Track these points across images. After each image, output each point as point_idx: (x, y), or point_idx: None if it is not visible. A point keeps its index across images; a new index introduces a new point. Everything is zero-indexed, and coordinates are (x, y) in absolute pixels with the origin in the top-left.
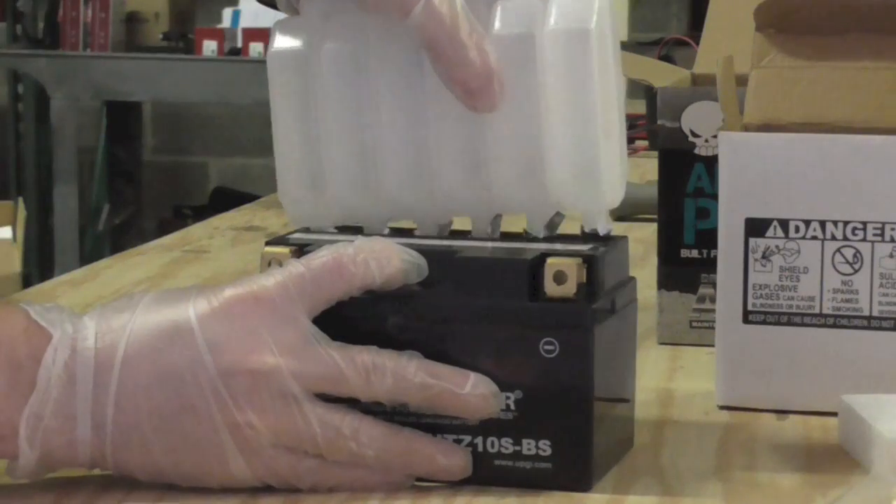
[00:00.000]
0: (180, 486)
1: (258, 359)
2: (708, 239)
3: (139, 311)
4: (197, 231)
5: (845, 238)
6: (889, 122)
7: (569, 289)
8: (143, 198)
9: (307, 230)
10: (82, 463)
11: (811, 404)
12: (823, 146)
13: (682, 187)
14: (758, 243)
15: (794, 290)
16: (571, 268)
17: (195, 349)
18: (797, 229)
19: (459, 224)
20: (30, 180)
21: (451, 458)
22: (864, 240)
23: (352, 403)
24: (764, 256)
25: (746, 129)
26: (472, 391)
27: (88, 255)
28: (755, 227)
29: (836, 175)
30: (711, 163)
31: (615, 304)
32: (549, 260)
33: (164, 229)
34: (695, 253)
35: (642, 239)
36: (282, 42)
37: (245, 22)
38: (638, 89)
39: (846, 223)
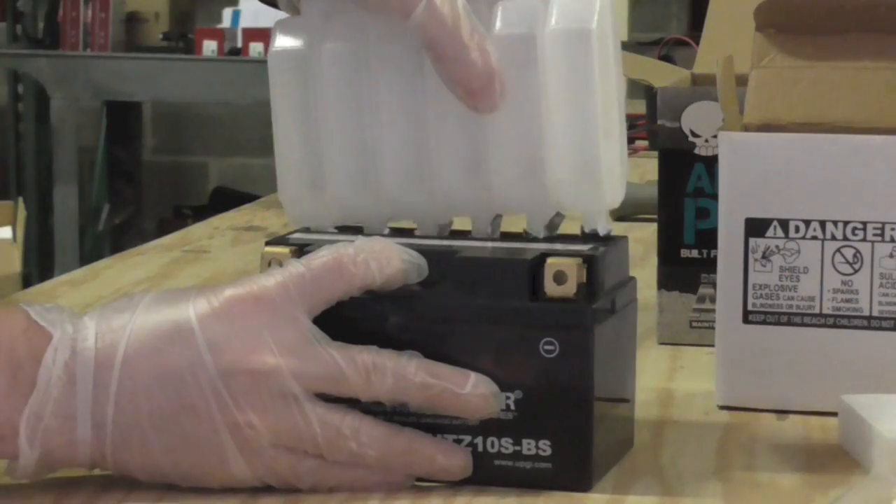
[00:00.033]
0: (180, 486)
1: (258, 359)
2: (708, 239)
3: (139, 312)
4: (197, 231)
5: (845, 238)
6: (889, 122)
7: (569, 289)
8: (143, 198)
9: (307, 230)
10: (82, 463)
11: (811, 404)
12: (823, 146)
13: (682, 187)
14: (758, 243)
15: (794, 290)
16: (571, 268)
17: (195, 349)
18: (797, 229)
19: (459, 224)
20: (30, 180)
21: (451, 458)
22: (864, 240)
23: (352, 403)
24: (764, 256)
25: (746, 129)
26: (472, 391)
27: (88, 255)
28: (755, 227)
29: (836, 175)
30: (711, 163)
31: (615, 304)
32: (549, 260)
33: (164, 229)
34: (695, 253)
35: (642, 239)
36: (282, 42)
37: (245, 22)
38: (638, 89)
39: (846, 223)
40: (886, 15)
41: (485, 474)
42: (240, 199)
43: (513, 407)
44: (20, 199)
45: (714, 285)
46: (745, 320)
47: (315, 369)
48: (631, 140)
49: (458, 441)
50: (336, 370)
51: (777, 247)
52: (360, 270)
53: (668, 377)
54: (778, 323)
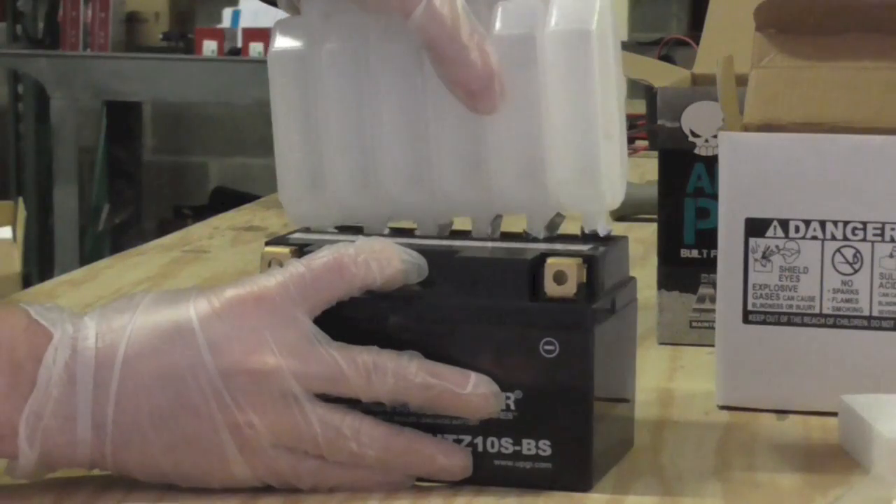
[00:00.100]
0: (180, 487)
1: (259, 359)
2: (708, 239)
3: (140, 312)
4: (197, 231)
5: (845, 238)
6: (889, 122)
7: (569, 289)
8: (143, 198)
9: (307, 230)
10: (82, 463)
11: (811, 404)
12: (823, 146)
13: (682, 187)
14: (758, 243)
15: (794, 290)
16: (571, 268)
17: (196, 349)
18: (797, 229)
19: (459, 224)
20: (30, 180)
21: (451, 458)
22: (864, 240)
23: (352, 404)
24: (764, 256)
25: (746, 129)
26: (473, 391)
27: (88, 255)
28: (755, 227)
29: (836, 175)
30: (711, 163)
31: (615, 304)
32: (549, 260)
33: (164, 229)
34: (695, 253)
35: (642, 239)
36: (282, 42)
37: (245, 22)
38: (638, 89)
39: (846, 223)
40: (886, 15)
41: (485, 474)
42: (240, 199)
43: (513, 407)
44: (20, 199)
45: (714, 285)
46: (745, 320)
47: (316, 369)
48: (631, 140)
49: (459, 441)
50: (337, 370)
51: (777, 247)
52: (360, 271)
53: (668, 377)
54: (778, 323)
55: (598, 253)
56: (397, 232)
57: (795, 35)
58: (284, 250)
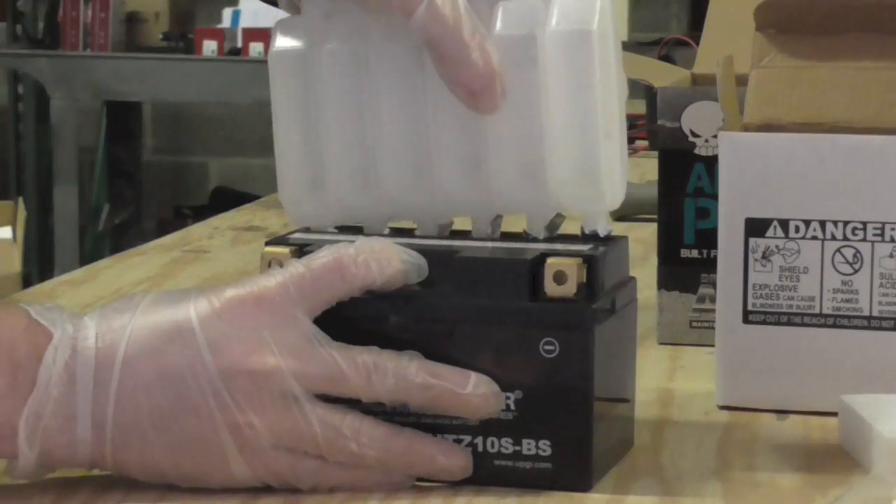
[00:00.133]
0: (180, 487)
1: (259, 359)
2: (708, 239)
3: (140, 312)
4: (197, 231)
5: (845, 238)
6: (889, 122)
7: (569, 289)
8: (143, 198)
9: (307, 230)
10: (81, 463)
11: (811, 404)
12: (823, 146)
13: (682, 187)
14: (758, 243)
15: (794, 290)
16: (571, 268)
17: (196, 349)
18: (797, 229)
19: (460, 224)
20: (30, 180)
21: (451, 458)
22: (864, 240)
23: (352, 404)
24: (764, 256)
25: (746, 129)
26: (473, 391)
27: (88, 255)
28: (755, 227)
29: (836, 175)
30: (711, 163)
31: (615, 304)
32: (549, 260)
33: (164, 229)
34: (695, 253)
35: (642, 239)
36: (283, 42)
37: (245, 22)
38: (638, 89)
39: (846, 223)
40: (886, 15)
41: (485, 474)
42: (240, 199)
43: (513, 407)
44: (20, 199)
45: (714, 285)
46: (745, 320)
47: (316, 370)
48: (631, 140)
49: (458, 441)
50: (337, 371)
51: (777, 247)
52: (360, 271)
53: (668, 377)
54: (778, 323)
55: (598, 253)
56: (397, 232)
57: (795, 35)
58: (284, 250)
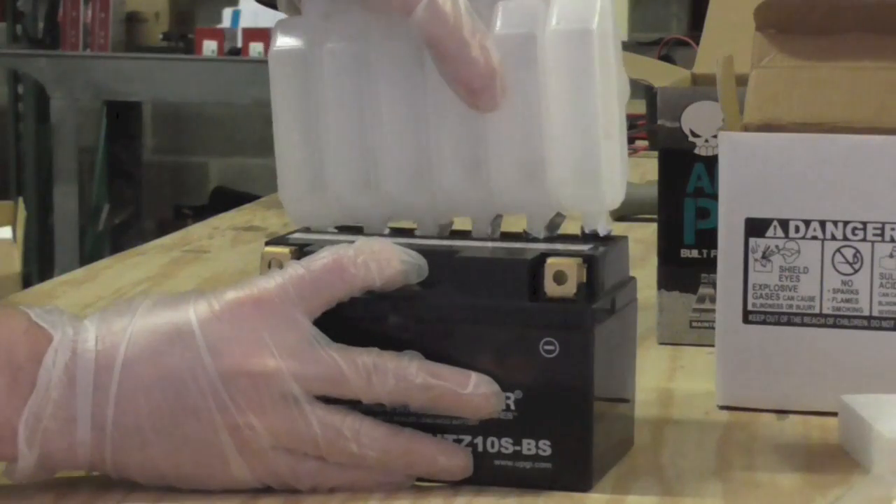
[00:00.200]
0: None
1: (259, 361)
2: (708, 239)
3: (139, 315)
4: (197, 231)
5: (845, 238)
6: (889, 122)
7: (569, 289)
8: (143, 198)
9: (307, 230)
10: (81, 465)
11: (811, 404)
12: (823, 146)
13: (682, 187)
14: (758, 243)
15: (794, 290)
16: (571, 268)
17: (196, 351)
18: (797, 229)
19: (460, 224)
20: (30, 180)
21: (452, 458)
22: (864, 240)
23: (352, 405)
24: (764, 256)
25: (746, 129)
26: (474, 391)
27: (88, 255)
28: (755, 227)
29: (836, 175)
30: (711, 163)
31: (615, 304)
32: (549, 260)
33: (164, 229)
34: (695, 253)
35: (642, 239)
36: (283, 41)
37: (245, 22)
38: (638, 89)
39: (846, 223)
40: (886, 15)
41: (485, 474)
42: (240, 199)
43: (513, 407)
44: (20, 199)
45: (714, 285)
46: (745, 320)
47: (315, 371)
48: (631, 140)
49: (458, 441)
50: (337, 372)
51: (777, 247)
52: (359, 272)
53: (668, 377)
54: (778, 323)
55: (598, 253)
56: (397, 232)
57: (795, 35)
58: (284, 250)
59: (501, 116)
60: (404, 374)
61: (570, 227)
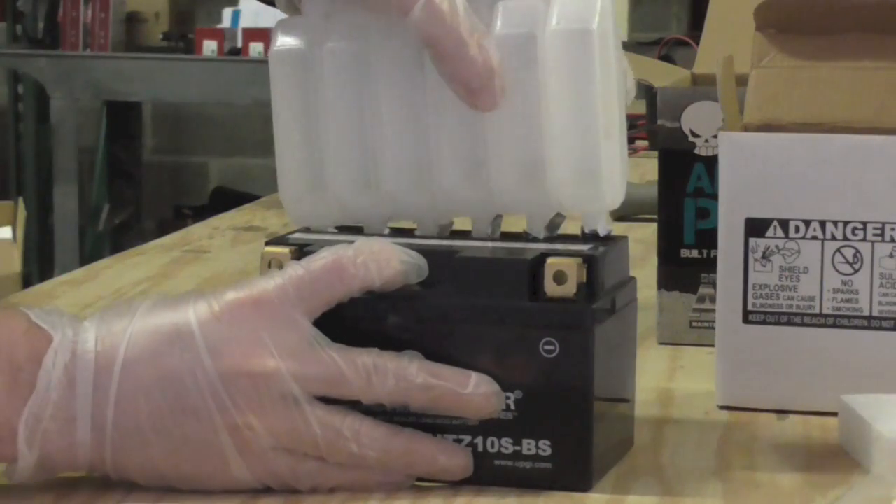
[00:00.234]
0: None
1: (258, 361)
2: (708, 239)
3: (139, 316)
4: (197, 231)
5: (845, 238)
6: (889, 122)
7: (569, 289)
8: (143, 198)
9: (307, 230)
10: (81, 466)
11: (811, 404)
12: (823, 146)
13: (682, 187)
14: (758, 243)
15: (794, 290)
16: (571, 268)
17: (195, 352)
18: (797, 229)
19: (460, 224)
20: (30, 180)
21: (452, 457)
22: (864, 240)
23: (351, 405)
24: (764, 256)
25: (746, 129)
26: (474, 391)
27: (88, 255)
28: (755, 227)
29: (836, 175)
30: (711, 163)
31: (615, 304)
32: (549, 260)
33: (164, 229)
34: (695, 253)
35: (642, 239)
36: (283, 41)
37: (245, 22)
38: (638, 89)
39: (846, 223)
40: (886, 15)
41: (485, 474)
42: (240, 199)
43: (513, 407)
44: (20, 199)
45: (714, 285)
46: (745, 320)
47: (315, 371)
48: (631, 140)
49: (458, 441)
50: (336, 372)
51: (777, 247)
52: (359, 272)
53: (668, 377)
54: (778, 323)
55: (598, 253)
56: (397, 232)
57: (795, 35)
58: (284, 250)
59: (501, 116)
60: (404, 375)
61: (570, 227)
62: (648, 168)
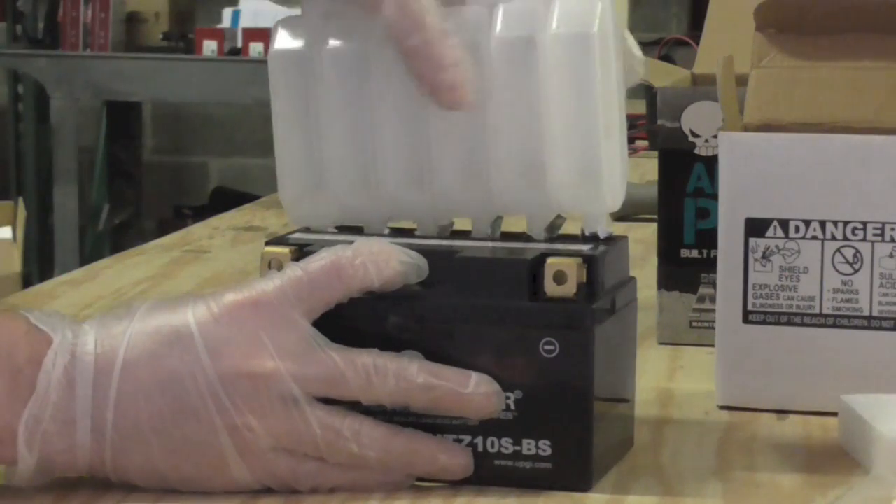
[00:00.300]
0: (180, 490)
1: (258, 362)
2: (708, 239)
3: (138, 318)
4: (197, 231)
5: (845, 238)
6: (889, 122)
7: (569, 289)
8: (143, 198)
9: (307, 230)
10: (81, 468)
11: (811, 404)
12: (823, 146)
13: (682, 187)
14: (758, 243)
15: (794, 290)
16: (571, 268)
17: (195, 353)
18: (797, 229)
19: (460, 224)
20: (30, 180)
21: (453, 456)
22: (864, 240)
23: (351, 406)
24: (764, 256)
25: (746, 129)
26: (475, 390)
27: (88, 255)
28: (755, 227)
29: (836, 175)
30: (711, 163)
31: (615, 304)
32: (549, 260)
33: (164, 229)
34: (695, 253)
35: (642, 239)
36: (283, 42)
37: (245, 22)
38: (638, 89)
39: (846, 223)
40: (886, 15)
41: (485, 474)
42: (240, 199)
43: (513, 407)
44: (20, 199)
45: (714, 285)
46: (745, 320)
47: (315, 372)
48: (631, 140)
49: (458, 441)
50: (336, 372)
51: (777, 247)
52: (357, 273)
53: (668, 377)
54: (778, 323)
55: (598, 253)
56: (397, 232)
57: (795, 35)
58: (284, 250)
59: (502, 118)
60: (405, 375)
61: (570, 227)
62: (648, 168)
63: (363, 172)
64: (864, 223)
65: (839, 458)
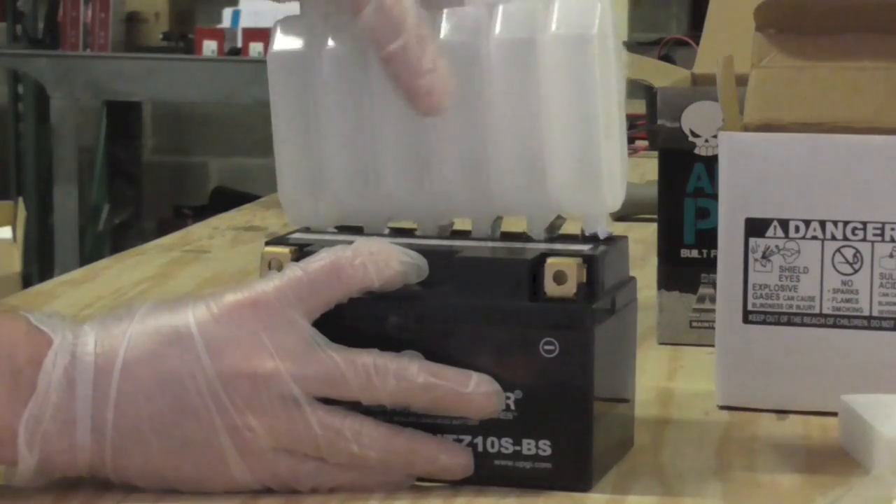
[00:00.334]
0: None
1: (258, 362)
2: (708, 239)
3: (138, 318)
4: (197, 231)
5: (845, 238)
6: (889, 122)
7: (569, 289)
8: (143, 198)
9: (307, 230)
10: (81, 469)
11: (811, 404)
12: (823, 146)
13: (682, 187)
14: (758, 243)
15: (794, 290)
16: (571, 268)
17: (195, 354)
18: (797, 229)
19: (460, 224)
20: (30, 180)
21: (453, 456)
22: (864, 240)
23: (351, 406)
24: (764, 256)
25: (746, 129)
26: (475, 390)
27: (88, 255)
28: (755, 227)
29: (836, 175)
30: (711, 163)
31: (615, 304)
32: (549, 260)
33: (164, 229)
34: (695, 253)
35: (642, 239)
36: (282, 42)
37: (245, 22)
38: (638, 89)
39: (846, 223)
40: (886, 15)
41: (485, 474)
42: (240, 199)
43: (513, 407)
44: (20, 199)
45: (714, 285)
46: (745, 320)
47: (315, 372)
48: (631, 140)
49: (458, 441)
50: (336, 372)
51: (777, 247)
52: (357, 273)
53: (668, 377)
54: (778, 323)
55: (598, 253)
56: (397, 232)
57: (795, 35)
58: (284, 250)
59: (501, 119)
60: (405, 375)
61: (570, 227)
62: (648, 168)
63: (363, 172)
64: (864, 223)
65: (839, 458)
